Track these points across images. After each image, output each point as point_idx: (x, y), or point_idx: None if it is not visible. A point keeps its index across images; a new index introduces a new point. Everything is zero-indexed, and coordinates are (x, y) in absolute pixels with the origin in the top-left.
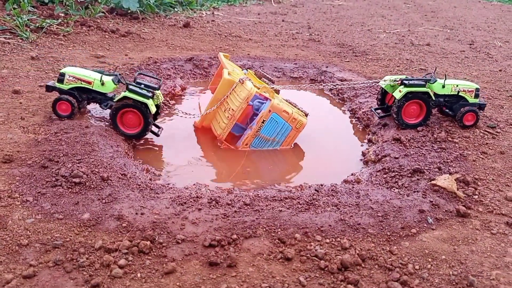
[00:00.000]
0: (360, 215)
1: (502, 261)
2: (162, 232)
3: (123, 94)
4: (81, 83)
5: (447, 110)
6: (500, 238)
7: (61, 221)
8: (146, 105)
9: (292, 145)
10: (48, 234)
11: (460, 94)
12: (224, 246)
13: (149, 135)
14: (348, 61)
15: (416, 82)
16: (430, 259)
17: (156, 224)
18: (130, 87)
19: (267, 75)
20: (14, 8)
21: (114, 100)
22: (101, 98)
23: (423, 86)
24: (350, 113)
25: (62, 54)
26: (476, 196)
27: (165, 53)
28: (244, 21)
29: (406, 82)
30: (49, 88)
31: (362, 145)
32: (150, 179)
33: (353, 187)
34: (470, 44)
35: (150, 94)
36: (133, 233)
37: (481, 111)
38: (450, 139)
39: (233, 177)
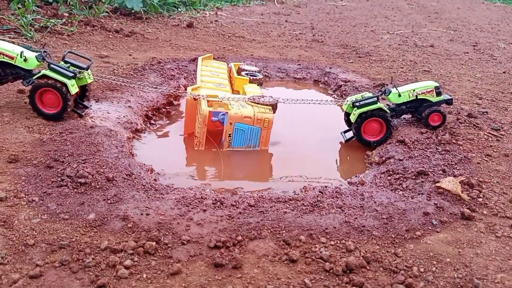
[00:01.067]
0: (364, 217)
1: (507, 264)
2: (167, 233)
3: (42, 72)
4: (3, 58)
5: (417, 115)
6: (505, 241)
7: (67, 221)
8: (65, 85)
9: (268, 146)
10: (54, 234)
11: (419, 97)
12: (229, 247)
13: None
14: (352, 62)
15: (367, 101)
16: (435, 262)
17: (161, 224)
18: (52, 65)
19: (250, 67)
20: (19, 8)
21: (33, 78)
22: (24, 74)
23: (375, 103)
24: None
25: None
26: (481, 199)
27: (169, 53)
28: (248, 22)
29: (357, 104)
30: None
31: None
32: (155, 180)
33: (357, 189)
34: (474, 46)
35: (71, 74)
36: (138, 233)
37: (450, 105)
38: (454, 141)
39: (237, 178)
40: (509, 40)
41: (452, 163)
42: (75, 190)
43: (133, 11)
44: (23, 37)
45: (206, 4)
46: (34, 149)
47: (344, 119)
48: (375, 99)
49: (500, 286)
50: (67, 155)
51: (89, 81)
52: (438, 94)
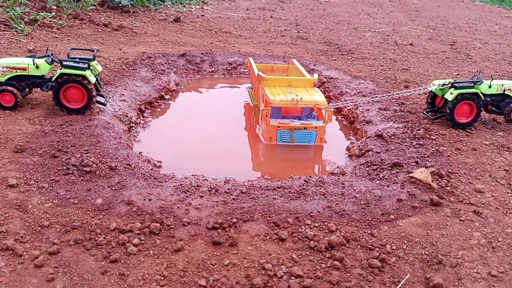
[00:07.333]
0: (345, 203)
1: (467, 243)
2: (169, 216)
3: (59, 71)
4: (16, 71)
5: (493, 108)
6: (468, 224)
7: (77, 206)
8: (84, 76)
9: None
10: (66, 217)
11: (505, 92)
12: (225, 228)
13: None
14: (335, 60)
15: (465, 84)
16: (405, 241)
17: (163, 209)
18: (65, 63)
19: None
20: (8, 0)
21: (52, 80)
22: (40, 82)
23: (472, 87)
24: (336, 110)
25: (58, 48)
26: (449, 188)
27: (158, 48)
28: (233, 17)
29: (456, 84)
30: None
31: (347, 140)
32: (152, 169)
33: (338, 178)
34: (451, 45)
35: (85, 66)
36: (143, 216)
37: None
38: (428, 136)
39: (224, 168)
40: (485, 39)
41: (425, 155)
42: (81, 177)
43: (120, 5)
44: (13, 29)
45: None
46: (37, 139)
47: (427, 101)
48: (473, 84)
49: (461, 261)
50: (70, 145)
51: (99, 70)
52: None
